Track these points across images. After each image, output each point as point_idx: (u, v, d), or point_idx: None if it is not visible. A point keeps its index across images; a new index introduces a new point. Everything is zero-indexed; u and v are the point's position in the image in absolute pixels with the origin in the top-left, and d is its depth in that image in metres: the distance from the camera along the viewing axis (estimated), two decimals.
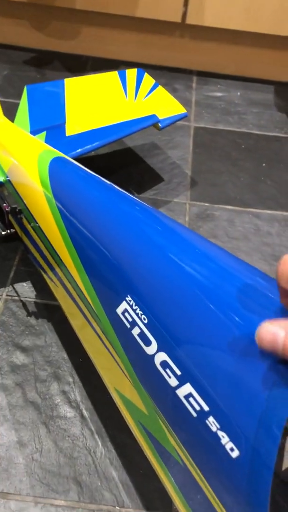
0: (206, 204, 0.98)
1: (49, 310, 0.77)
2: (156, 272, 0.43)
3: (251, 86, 1.28)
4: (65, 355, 0.72)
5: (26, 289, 0.80)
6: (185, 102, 1.20)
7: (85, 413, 0.66)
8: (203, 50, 1.26)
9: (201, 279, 0.41)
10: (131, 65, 1.27)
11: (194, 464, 0.40)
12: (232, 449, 0.34)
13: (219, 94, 1.25)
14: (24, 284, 0.80)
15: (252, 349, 0.34)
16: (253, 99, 1.24)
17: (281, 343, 0.32)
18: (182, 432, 0.40)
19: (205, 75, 1.29)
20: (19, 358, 0.71)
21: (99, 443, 0.64)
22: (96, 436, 0.64)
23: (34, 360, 0.71)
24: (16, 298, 0.78)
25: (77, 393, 0.68)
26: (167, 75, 1.28)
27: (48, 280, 0.69)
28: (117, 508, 0.59)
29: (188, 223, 0.94)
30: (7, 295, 0.79)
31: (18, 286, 0.80)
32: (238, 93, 1.26)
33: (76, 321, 0.62)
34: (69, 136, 0.81)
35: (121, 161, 1.05)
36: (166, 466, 0.46)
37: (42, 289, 0.80)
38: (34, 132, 0.82)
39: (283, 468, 0.38)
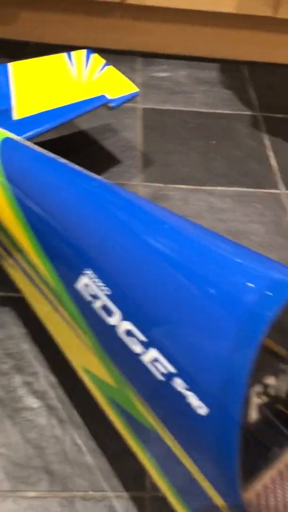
0: (160, 184, 0.98)
1: (5, 303, 0.75)
2: (116, 243, 0.43)
3: (197, 65, 1.27)
4: (26, 346, 0.70)
5: None
6: None
7: (50, 402, 0.65)
8: (145, 31, 1.25)
9: (161, 246, 0.41)
10: (71, 49, 1.24)
11: (166, 429, 0.40)
12: (200, 407, 0.34)
13: (164, 74, 1.24)
14: None
15: (213, 309, 0.34)
16: (199, 78, 1.24)
17: None
18: (151, 397, 0.40)
19: (149, 56, 1.28)
20: None
21: (68, 430, 0.63)
22: (64, 424, 0.63)
23: None
24: None
25: (42, 382, 0.67)
26: (110, 57, 1.25)
27: (5, 265, 0.67)
28: (91, 492, 0.59)
29: None
30: None
31: None
32: (184, 73, 1.25)
33: (39, 305, 0.61)
34: (16, 120, 0.78)
35: (70, 145, 1.03)
36: (139, 438, 0.45)
37: None
38: None
39: (251, 420, 0.38)
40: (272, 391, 0.40)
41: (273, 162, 1.03)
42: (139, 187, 0.97)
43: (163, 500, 0.59)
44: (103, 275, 0.42)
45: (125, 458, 0.61)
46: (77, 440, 0.62)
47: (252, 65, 1.29)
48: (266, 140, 1.08)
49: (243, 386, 0.31)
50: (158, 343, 0.37)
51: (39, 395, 0.66)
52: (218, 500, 0.37)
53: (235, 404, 0.32)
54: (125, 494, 0.59)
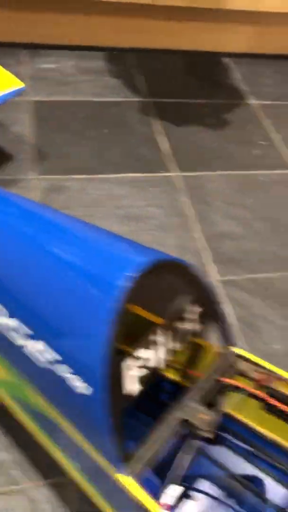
0: (56, 176, 0.98)
1: None
2: None
3: (83, 55, 1.28)
4: None
5: None
6: (18, 77, 1.17)
7: None
8: (27, 21, 1.23)
9: (37, 243, 0.42)
10: None
11: (62, 416, 0.42)
12: (85, 387, 0.36)
13: (52, 65, 1.23)
14: None
15: (89, 297, 0.37)
16: (86, 68, 1.25)
17: None
18: (42, 386, 0.42)
19: (34, 47, 1.26)
20: None
21: None
22: None
23: None
24: None
25: None
26: None
27: None
28: (13, 487, 0.59)
29: (41, 197, 0.93)
30: None
31: None
32: (71, 63, 1.25)
33: None
34: None
35: None
36: (43, 429, 0.47)
37: None
38: None
39: (125, 390, 0.41)
40: (146, 363, 0.42)
41: (163, 146, 1.07)
42: (35, 180, 0.96)
43: None
44: None
45: (41, 449, 0.62)
46: None
47: (137, 52, 1.32)
48: (157, 125, 1.12)
49: (103, 364, 0.34)
50: (42, 335, 0.39)
51: None
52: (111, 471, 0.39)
53: (101, 382, 0.35)
54: (44, 483, 0.60)
